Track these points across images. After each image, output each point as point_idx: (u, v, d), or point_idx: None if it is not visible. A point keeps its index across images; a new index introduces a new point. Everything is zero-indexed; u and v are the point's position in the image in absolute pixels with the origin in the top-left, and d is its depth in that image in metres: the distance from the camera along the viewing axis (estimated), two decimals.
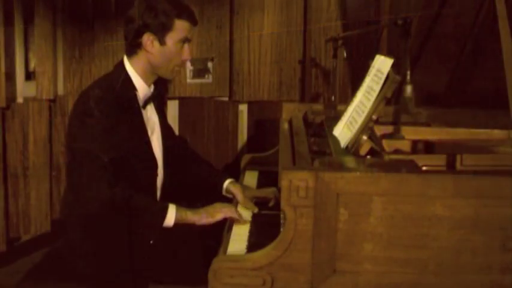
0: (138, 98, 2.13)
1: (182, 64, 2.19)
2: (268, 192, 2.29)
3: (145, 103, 2.17)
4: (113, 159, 2.00)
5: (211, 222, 2.05)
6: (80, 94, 2.14)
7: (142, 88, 2.14)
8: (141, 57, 2.11)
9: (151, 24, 2.06)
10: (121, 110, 2.05)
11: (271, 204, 2.22)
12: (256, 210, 2.18)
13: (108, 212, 1.98)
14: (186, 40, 2.12)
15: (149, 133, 2.18)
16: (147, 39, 2.07)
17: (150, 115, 2.22)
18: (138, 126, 2.13)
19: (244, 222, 2.06)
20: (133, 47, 2.11)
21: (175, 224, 2.01)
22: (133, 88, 2.12)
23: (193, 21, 2.14)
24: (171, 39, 2.09)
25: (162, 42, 2.08)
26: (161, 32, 2.07)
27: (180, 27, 2.09)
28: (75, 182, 2.05)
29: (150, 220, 2.03)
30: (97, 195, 1.96)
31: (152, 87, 2.20)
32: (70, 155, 2.13)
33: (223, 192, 2.35)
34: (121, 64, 2.15)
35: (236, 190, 2.29)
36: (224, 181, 2.34)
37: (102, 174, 1.97)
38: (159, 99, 2.26)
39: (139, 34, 2.08)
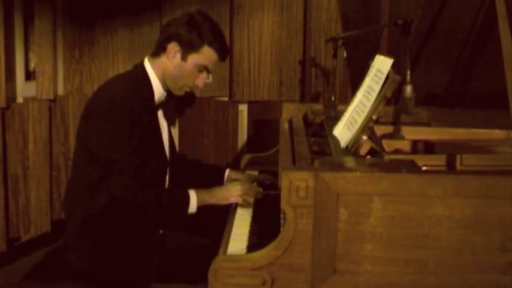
0: (154, 98, 2.16)
1: (192, 87, 2.22)
2: (266, 176, 2.47)
3: (158, 106, 2.19)
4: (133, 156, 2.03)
5: (225, 204, 2.16)
6: (99, 90, 2.15)
7: (158, 90, 2.17)
8: (161, 61, 2.15)
9: (182, 36, 2.10)
10: (140, 108, 2.07)
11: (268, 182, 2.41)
12: (261, 190, 2.25)
13: (130, 209, 2.04)
14: (206, 69, 2.16)
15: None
16: (172, 48, 2.11)
17: (161, 119, 2.24)
18: (153, 127, 2.16)
19: (244, 221, 2.09)
20: (159, 49, 2.15)
21: (198, 208, 2.10)
22: (151, 89, 2.15)
23: (221, 57, 2.18)
24: (193, 59, 2.12)
25: (183, 58, 2.12)
26: (187, 48, 2.11)
27: (207, 54, 2.13)
28: (94, 178, 2.05)
29: (174, 212, 2.11)
30: (125, 192, 2.01)
31: (165, 93, 2.22)
32: (83, 148, 2.11)
33: (225, 183, 2.44)
34: (141, 64, 2.18)
35: (238, 174, 2.47)
36: (224, 171, 2.48)
37: (130, 171, 2.01)
38: (168, 106, 2.28)
39: (168, 39, 2.12)
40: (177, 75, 2.14)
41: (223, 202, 2.15)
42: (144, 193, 2.03)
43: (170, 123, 2.35)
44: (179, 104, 3.77)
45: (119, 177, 2.00)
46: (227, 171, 2.49)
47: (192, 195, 2.09)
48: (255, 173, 2.66)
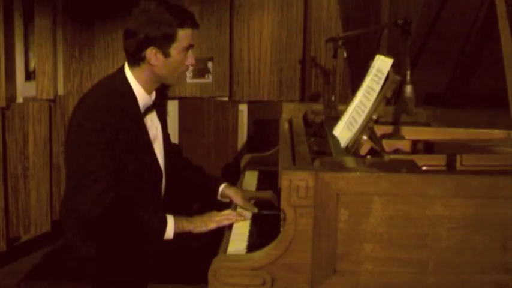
0: (139, 106, 2.10)
1: (187, 69, 2.16)
2: (266, 194, 2.27)
3: (146, 112, 2.14)
4: (116, 170, 1.98)
5: (205, 231, 2.06)
6: (80, 101, 2.09)
7: (142, 97, 2.10)
8: (144, 69, 2.07)
9: (154, 37, 2.00)
10: (122, 120, 2.01)
11: (276, 205, 2.18)
12: (256, 210, 2.16)
13: (107, 224, 1.98)
14: (189, 47, 2.08)
15: (152, 141, 2.16)
16: (151, 52, 2.02)
17: (152, 122, 2.18)
18: (140, 137, 2.10)
19: (244, 220, 2.06)
20: (136, 60, 2.06)
21: (175, 235, 2.02)
22: (133, 97, 2.08)
23: (195, 26, 2.09)
24: (175, 50, 2.04)
25: (166, 55, 2.04)
26: (165, 44, 2.02)
27: (183, 36, 2.04)
28: (74, 193, 2.01)
29: (150, 236, 2.03)
30: (96, 210, 1.94)
31: (154, 94, 2.16)
32: (69, 165, 2.08)
33: (219, 197, 2.33)
34: (121, 71, 2.10)
35: (232, 192, 2.28)
36: (219, 185, 2.32)
37: (103, 189, 1.94)
38: (159, 106, 2.23)
39: (142, 48, 2.02)
40: (170, 71, 2.08)
41: (203, 229, 2.06)
42: (117, 210, 1.96)
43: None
44: (180, 104, 3.77)
45: (89, 191, 1.93)
46: (222, 186, 2.32)
47: (170, 221, 2.01)
48: (254, 178, 2.62)
